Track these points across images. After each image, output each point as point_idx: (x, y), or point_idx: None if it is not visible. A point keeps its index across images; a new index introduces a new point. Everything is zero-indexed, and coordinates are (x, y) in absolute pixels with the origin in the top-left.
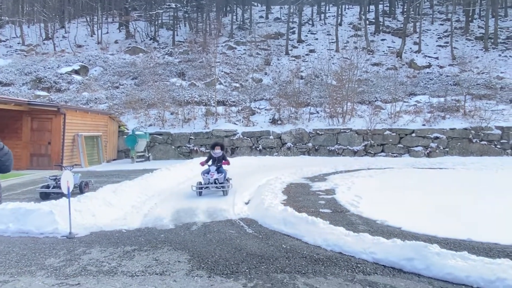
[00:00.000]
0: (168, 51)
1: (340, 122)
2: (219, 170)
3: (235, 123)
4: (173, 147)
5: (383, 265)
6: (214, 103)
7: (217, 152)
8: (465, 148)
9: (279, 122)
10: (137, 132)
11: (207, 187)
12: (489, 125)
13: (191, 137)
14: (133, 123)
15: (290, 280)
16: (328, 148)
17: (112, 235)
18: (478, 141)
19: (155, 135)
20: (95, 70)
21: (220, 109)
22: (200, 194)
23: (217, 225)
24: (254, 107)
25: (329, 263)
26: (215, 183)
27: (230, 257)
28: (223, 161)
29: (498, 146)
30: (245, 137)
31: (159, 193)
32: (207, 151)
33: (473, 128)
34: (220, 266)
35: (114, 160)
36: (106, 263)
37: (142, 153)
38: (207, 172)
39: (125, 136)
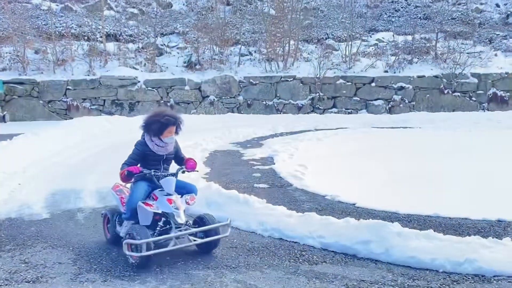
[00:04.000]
0: None
1: (280, 68)
2: (182, 187)
3: (134, 68)
4: (41, 102)
5: (333, 251)
6: (101, 37)
7: (168, 141)
8: (435, 101)
9: (197, 66)
10: None
11: (165, 244)
12: (464, 72)
13: (68, 87)
14: None
15: (216, 278)
16: (264, 102)
17: None
18: (450, 92)
19: (13, 85)
20: None
21: (111, 46)
22: (146, 264)
23: None
24: (162, 45)
25: (266, 253)
26: (186, 224)
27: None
28: (186, 159)
29: (474, 99)
30: (149, 88)
31: (25, 169)
32: (93, 107)
33: (445, 75)
34: (120, 265)
35: None
36: None
37: None
38: (149, 193)
39: None
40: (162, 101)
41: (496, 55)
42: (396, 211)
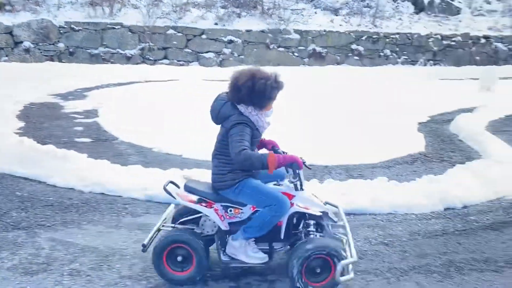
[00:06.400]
0: None
1: (106, 14)
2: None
3: None
4: None
5: (158, 202)
6: None
7: (270, 114)
8: (262, 55)
9: (8, 7)
10: None
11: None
12: (287, 28)
13: None
14: None
15: (28, 238)
16: (89, 51)
17: None
18: (275, 47)
19: None
20: None
21: None
22: None
23: None
24: None
25: (87, 209)
26: None
27: None
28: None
29: (296, 54)
30: None
31: None
32: None
33: (271, 30)
34: None
35: None
36: None
37: None
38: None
39: None
40: None
41: (316, 13)
42: None
